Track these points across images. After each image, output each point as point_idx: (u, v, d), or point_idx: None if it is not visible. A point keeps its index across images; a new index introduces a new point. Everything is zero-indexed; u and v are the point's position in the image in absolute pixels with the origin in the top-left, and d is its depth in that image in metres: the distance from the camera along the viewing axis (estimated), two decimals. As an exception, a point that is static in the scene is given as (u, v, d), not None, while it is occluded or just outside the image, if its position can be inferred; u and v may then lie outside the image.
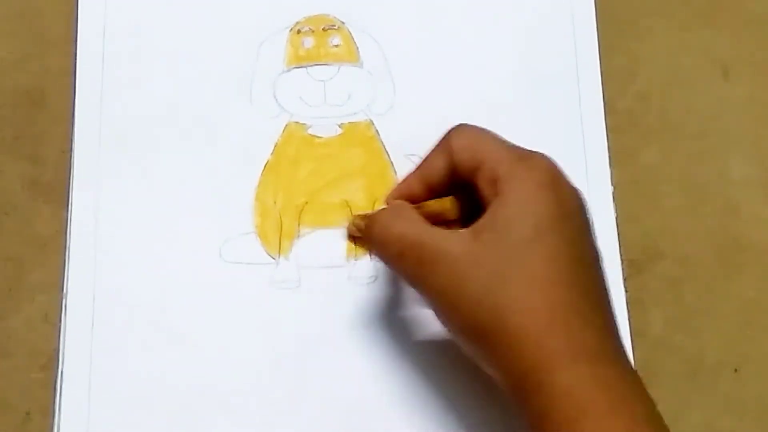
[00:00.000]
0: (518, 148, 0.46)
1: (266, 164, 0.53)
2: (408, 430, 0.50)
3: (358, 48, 0.55)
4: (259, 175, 0.53)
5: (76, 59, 0.55)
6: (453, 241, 0.43)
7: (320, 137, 0.54)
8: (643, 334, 0.52)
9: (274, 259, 0.52)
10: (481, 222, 0.43)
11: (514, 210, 0.43)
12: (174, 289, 0.51)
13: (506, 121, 0.54)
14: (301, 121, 0.54)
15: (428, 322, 0.51)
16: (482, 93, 0.55)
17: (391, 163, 0.54)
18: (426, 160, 0.48)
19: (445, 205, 0.47)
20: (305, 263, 0.52)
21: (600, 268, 0.44)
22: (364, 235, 0.47)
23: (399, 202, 0.48)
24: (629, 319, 0.52)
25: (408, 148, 0.54)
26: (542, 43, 0.56)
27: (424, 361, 0.51)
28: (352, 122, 0.54)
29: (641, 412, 0.41)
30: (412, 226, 0.45)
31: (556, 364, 0.40)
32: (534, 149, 0.46)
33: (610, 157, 0.54)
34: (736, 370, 0.52)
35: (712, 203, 0.54)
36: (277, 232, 0.52)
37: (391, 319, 0.51)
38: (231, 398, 0.50)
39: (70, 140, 0.53)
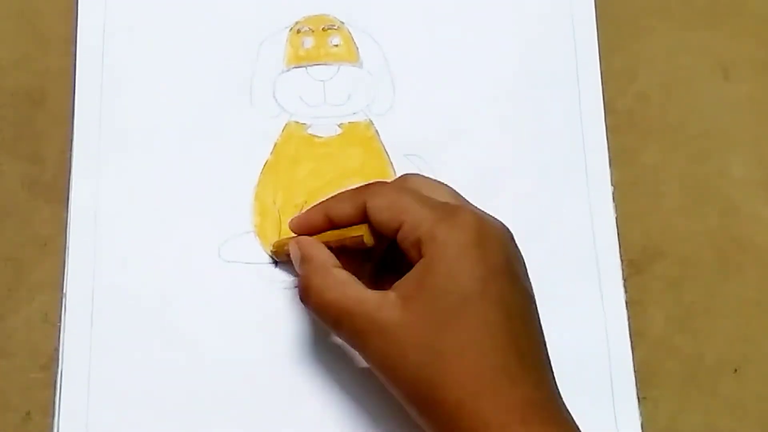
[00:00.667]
0: (439, 204, 0.45)
1: (266, 164, 0.53)
2: (408, 430, 0.50)
3: (357, 48, 0.55)
4: (259, 174, 0.53)
5: (76, 59, 0.55)
6: (384, 310, 0.43)
7: (320, 137, 0.54)
8: (643, 334, 0.52)
9: (273, 258, 0.52)
10: (408, 287, 0.43)
11: (439, 276, 0.43)
12: (174, 289, 0.51)
13: (506, 121, 0.55)
14: (301, 121, 0.54)
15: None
16: (482, 93, 0.55)
17: (391, 163, 0.54)
18: (337, 200, 0.48)
19: (360, 232, 0.46)
20: (305, 263, 0.52)
21: (533, 312, 0.44)
22: (300, 299, 0.47)
23: (325, 259, 0.47)
24: (629, 319, 0.52)
25: (407, 148, 0.54)
26: (542, 43, 0.56)
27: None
28: (352, 122, 0.54)
29: None
30: (343, 293, 0.45)
31: (489, 431, 0.41)
32: (459, 202, 0.46)
33: (610, 157, 0.54)
34: (736, 370, 0.52)
35: (712, 203, 0.54)
36: (277, 231, 0.52)
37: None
38: (230, 398, 0.50)
39: (70, 140, 0.53)
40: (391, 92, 0.55)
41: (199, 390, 0.50)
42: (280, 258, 0.51)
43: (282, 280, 0.52)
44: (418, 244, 0.44)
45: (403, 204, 0.45)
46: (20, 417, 0.50)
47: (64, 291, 0.51)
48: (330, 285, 0.45)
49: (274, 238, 0.52)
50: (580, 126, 0.55)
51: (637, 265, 0.53)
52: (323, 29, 0.56)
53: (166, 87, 0.54)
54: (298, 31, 0.56)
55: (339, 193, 0.49)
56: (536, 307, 0.45)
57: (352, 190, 0.48)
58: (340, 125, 0.54)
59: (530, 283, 0.45)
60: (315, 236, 0.49)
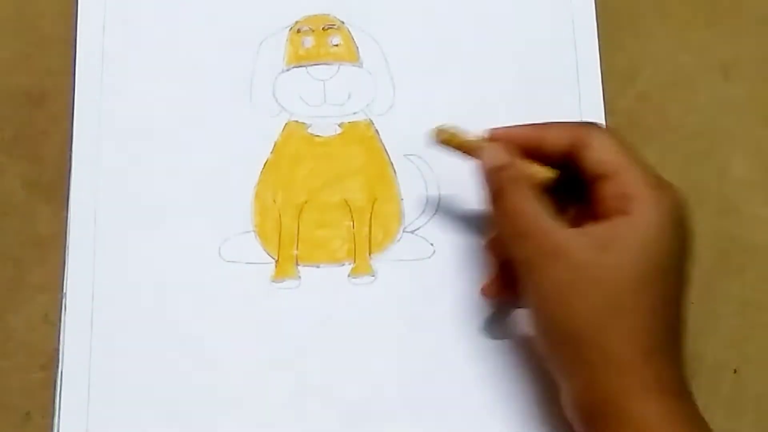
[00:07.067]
0: (655, 173, 0.46)
1: (266, 163, 0.53)
2: (408, 428, 0.50)
3: (357, 48, 0.55)
4: (259, 173, 0.53)
5: (75, 59, 0.55)
6: (578, 245, 0.44)
7: (320, 136, 0.54)
8: (642, 334, 0.52)
9: (273, 258, 0.52)
10: (607, 236, 0.44)
11: (644, 238, 0.43)
12: (174, 289, 0.51)
13: (506, 121, 0.55)
14: (301, 120, 0.54)
15: (427, 321, 0.51)
16: (482, 93, 0.55)
17: (391, 163, 0.54)
18: (553, 128, 0.48)
19: (550, 175, 0.47)
20: (305, 262, 0.52)
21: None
22: (490, 199, 0.47)
23: (525, 171, 0.47)
24: (629, 319, 0.52)
25: (407, 148, 0.54)
26: (542, 43, 0.56)
27: (422, 360, 0.51)
28: (352, 122, 0.54)
29: None
30: (539, 211, 0.45)
31: (635, 395, 0.42)
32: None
33: (610, 157, 0.54)
34: (735, 371, 0.52)
35: (712, 203, 0.54)
36: (277, 231, 0.52)
37: (390, 319, 0.51)
38: (230, 397, 0.50)
39: (70, 140, 0.53)
40: (391, 92, 0.55)
41: (199, 390, 0.50)
42: (439, 142, 0.50)
43: (283, 280, 0.52)
44: (626, 198, 0.44)
45: (626, 156, 0.46)
46: (20, 417, 0.50)
47: (64, 291, 0.51)
48: (528, 197, 0.45)
49: (275, 238, 0.52)
50: (580, 126, 0.55)
51: (637, 265, 0.53)
52: (323, 29, 0.56)
53: (166, 87, 0.54)
54: (298, 31, 0.56)
55: (552, 123, 0.48)
56: None
57: (569, 123, 0.48)
58: (340, 125, 0.54)
59: None
60: None
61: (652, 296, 0.43)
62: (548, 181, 0.47)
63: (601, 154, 0.46)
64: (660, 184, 0.45)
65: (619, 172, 0.45)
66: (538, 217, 0.45)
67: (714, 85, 0.56)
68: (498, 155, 0.47)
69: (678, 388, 0.43)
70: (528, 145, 0.48)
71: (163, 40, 0.55)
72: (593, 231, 0.44)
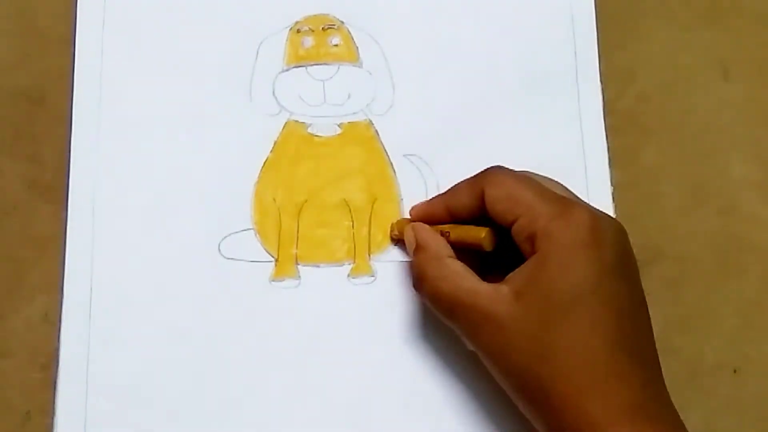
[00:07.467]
0: (557, 199, 0.45)
1: (265, 162, 0.53)
2: (408, 428, 0.50)
3: (357, 48, 0.55)
4: (259, 172, 0.53)
5: (75, 59, 0.55)
6: (496, 303, 0.43)
7: (320, 136, 0.54)
8: (642, 334, 0.52)
9: (273, 257, 0.52)
10: (521, 281, 0.43)
11: (552, 273, 0.43)
12: (173, 289, 0.51)
13: (506, 121, 0.55)
14: (301, 120, 0.54)
15: (427, 321, 0.51)
16: (482, 93, 0.55)
17: (391, 163, 0.54)
18: (455, 191, 0.48)
19: (480, 235, 0.46)
20: (305, 262, 0.52)
21: (643, 311, 0.44)
22: (414, 286, 0.48)
23: (440, 249, 0.47)
24: (629, 320, 0.52)
25: (407, 148, 0.54)
26: (542, 43, 0.56)
27: (423, 360, 0.51)
28: (352, 122, 0.54)
29: None
30: (457, 285, 0.45)
31: (596, 429, 0.41)
32: (573, 198, 0.46)
33: (610, 157, 0.54)
34: (735, 371, 0.52)
35: (712, 203, 0.54)
36: (277, 229, 0.52)
37: (390, 318, 0.51)
38: (229, 397, 0.50)
39: (70, 140, 0.53)
40: (391, 92, 0.55)
41: (198, 389, 0.50)
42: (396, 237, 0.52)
43: (283, 279, 0.52)
44: (532, 238, 0.44)
45: (521, 196, 0.45)
46: (20, 417, 0.50)
47: (63, 291, 0.51)
48: (444, 275, 0.46)
49: (274, 237, 0.52)
50: (580, 126, 0.55)
51: (636, 265, 0.53)
52: (323, 29, 0.56)
53: (166, 87, 0.54)
54: (298, 31, 0.56)
55: (457, 184, 0.49)
56: (646, 306, 0.45)
57: (470, 179, 0.48)
58: (339, 125, 0.54)
59: (640, 281, 0.45)
60: (437, 227, 0.49)
61: (577, 328, 0.42)
62: (480, 245, 0.46)
63: (496, 204, 0.46)
64: (560, 211, 0.44)
65: (519, 214, 0.44)
66: (457, 289, 0.45)
67: (714, 85, 0.56)
68: (409, 240, 0.49)
69: (634, 413, 0.41)
70: (441, 216, 0.49)
71: (163, 40, 0.55)
72: (512, 279, 0.44)
